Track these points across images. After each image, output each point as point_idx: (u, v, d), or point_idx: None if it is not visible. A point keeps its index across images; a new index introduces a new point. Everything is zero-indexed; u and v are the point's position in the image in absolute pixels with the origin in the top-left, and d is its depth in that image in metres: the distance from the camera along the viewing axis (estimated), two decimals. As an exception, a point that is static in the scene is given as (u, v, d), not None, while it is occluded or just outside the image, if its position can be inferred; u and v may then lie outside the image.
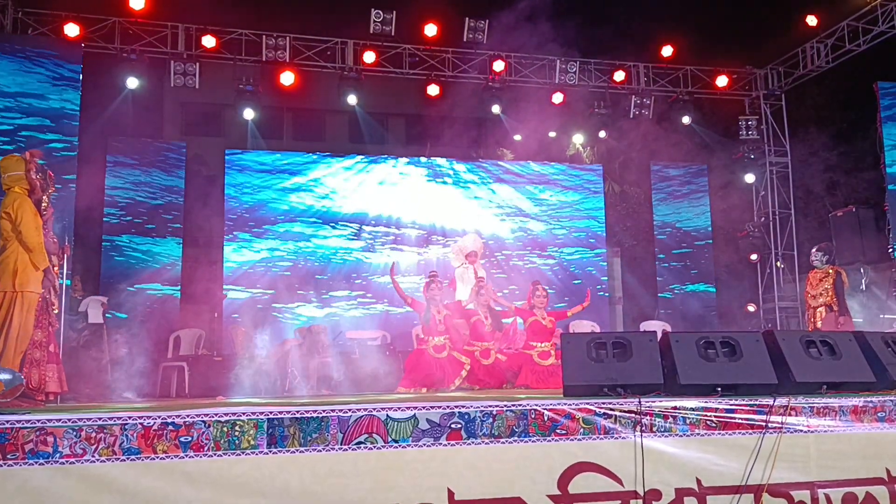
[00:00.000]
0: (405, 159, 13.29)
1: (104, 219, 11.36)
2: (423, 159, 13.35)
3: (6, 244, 5.16)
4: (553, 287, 12.58)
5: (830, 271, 7.88)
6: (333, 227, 12.52)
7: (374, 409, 3.45)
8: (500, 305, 8.41)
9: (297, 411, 3.38)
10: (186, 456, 3.24)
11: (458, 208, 13.13)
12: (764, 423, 3.76)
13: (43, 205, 5.49)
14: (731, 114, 13.46)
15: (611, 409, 3.66)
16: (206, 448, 3.25)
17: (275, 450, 3.31)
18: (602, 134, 13.31)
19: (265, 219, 12.23)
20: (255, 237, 12.10)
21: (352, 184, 12.75)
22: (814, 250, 8.15)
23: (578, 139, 13.95)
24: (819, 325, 7.76)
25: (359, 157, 13.02)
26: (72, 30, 10.40)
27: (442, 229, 12.96)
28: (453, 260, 9.73)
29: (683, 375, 4.02)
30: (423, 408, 3.50)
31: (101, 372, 8.62)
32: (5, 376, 4.42)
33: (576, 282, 13.18)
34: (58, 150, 9.54)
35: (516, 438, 3.55)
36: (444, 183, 13.18)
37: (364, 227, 12.66)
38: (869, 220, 11.53)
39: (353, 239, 12.58)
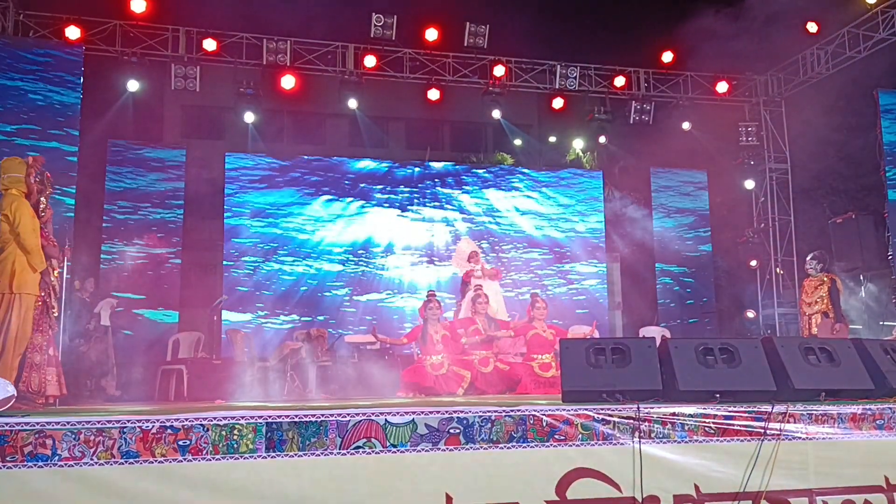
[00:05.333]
0: (409, 163, 13.29)
1: (104, 222, 11.35)
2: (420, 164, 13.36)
3: (4, 246, 5.13)
4: (552, 292, 12.58)
5: (826, 279, 7.90)
6: (334, 231, 12.51)
7: (373, 413, 3.44)
8: (500, 329, 8.19)
9: (296, 415, 3.37)
10: (185, 459, 3.23)
11: (457, 212, 13.12)
12: (762, 430, 3.76)
13: (41, 206, 5.47)
14: (731, 120, 13.46)
15: (609, 415, 3.66)
16: (204, 452, 3.24)
17: (273, 454, 3.30)
18: (602, 139, 13.33)
19: (265, 220, 12.22)
20: (255, 239, 12.09)
21: (352, 186, 12.75)
22: (808, 258, 8.16)
23: (578, 145, 13.96)
24: (814, 332, 7.77)
25: (359, 161, 13.01)
26: (73, 32, 10.41)
27: (442, 233, 12.97)
28: (458, 266, 9.72)
29: (682, 382, 4.02)
30: (422, 413, 3.49)
31: (108, 373, 8.65)
32: None
33: (577, 298, 13.21)
34: (58, 153, 9.54)
35: (515, 444, 3.54)
36: (445, 186, 13.17)
37: (364, 230, 12.65)
38: (868, 227, 11.51)
39: (352, 240, 12.58)
